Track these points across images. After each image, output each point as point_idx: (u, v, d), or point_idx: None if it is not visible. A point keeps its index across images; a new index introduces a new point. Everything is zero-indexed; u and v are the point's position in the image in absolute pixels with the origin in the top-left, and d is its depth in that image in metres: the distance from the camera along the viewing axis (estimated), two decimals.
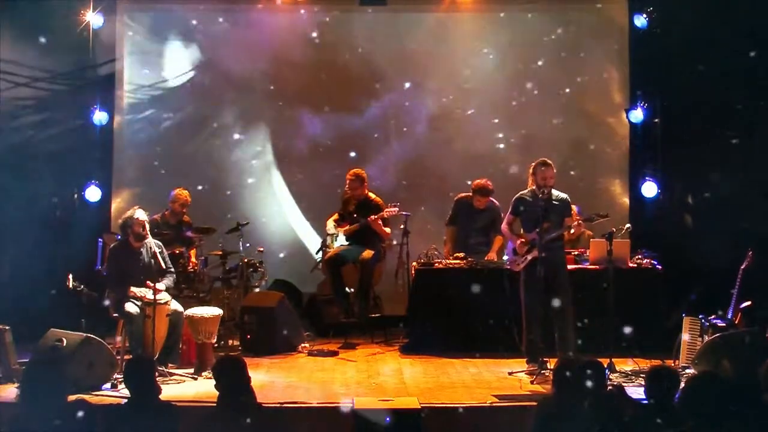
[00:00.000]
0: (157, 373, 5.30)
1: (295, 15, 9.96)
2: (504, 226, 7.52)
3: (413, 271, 8.39)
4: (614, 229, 7.38)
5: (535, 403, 4.94)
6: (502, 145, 9.98)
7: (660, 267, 8.11)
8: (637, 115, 9.62)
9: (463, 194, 8.66)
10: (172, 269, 7.41)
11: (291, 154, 10.04)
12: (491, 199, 8.48)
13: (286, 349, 8.12)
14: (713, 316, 7.10)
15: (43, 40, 9.17)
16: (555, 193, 7.25)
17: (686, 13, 8.98)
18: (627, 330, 7.37)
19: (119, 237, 7.45)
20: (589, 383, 4.41)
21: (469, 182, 8.63)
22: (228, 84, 9.96)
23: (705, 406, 3.99)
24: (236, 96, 10.01)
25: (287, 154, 10.05)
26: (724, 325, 6.97)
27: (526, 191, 7.34)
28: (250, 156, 10.05)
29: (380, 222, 8.52)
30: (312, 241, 9.84)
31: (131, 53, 9.94)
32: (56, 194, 9.42)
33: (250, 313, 8.18)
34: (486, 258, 8.28)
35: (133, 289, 6.99)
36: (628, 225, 8.19)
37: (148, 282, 6.89)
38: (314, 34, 9.96)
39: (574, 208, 7.62)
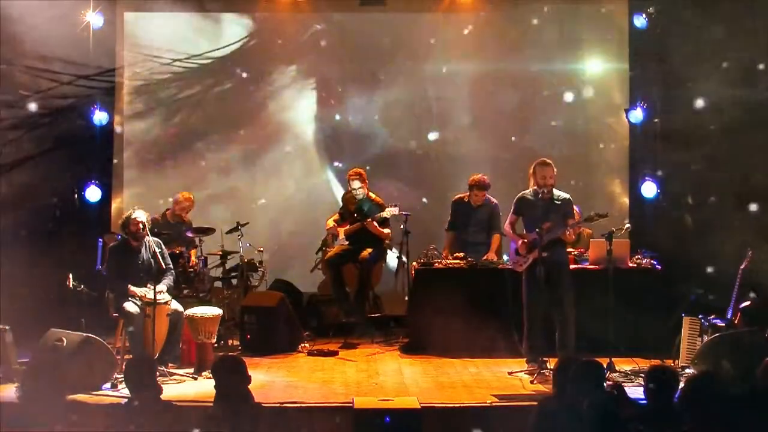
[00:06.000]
0: (157, 373, 5.30)
1: (296, 15, 9.96)
2: (506, 226, 7.50)
3: (413, 271, 8.39)
4: (614, 229, 7.37)
5: (535, 403, 4.94)
6: (501, 145, 9.98)
7: (660, 267, 8.11)
8: (637, 115, 9.60)
9: (458, 195, 8.66)
10: (172, 268, 7.41)
11: (292, 153, 10.04)
12: (488, 195, 8.48)
13: (286, 349, 8.11)
14: (713, 316, 7.10)
15: (42, 39, 9.16)
16: (557, 193, 7.24)
17: (686, 13, 8.97)
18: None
19: (119, 237, 7.45)
20: (588, 383, 4.41)
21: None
22: (228, 83, 9.96)
23: (705, 406, 3.99)
24: (236, 95, 10.00)
25: (288, 154, 10.04)
26: (723, 325, 6.97)
27: (527, 191, 7.33)
28: (250, 155, 10.04)
29: (376, 224, 8.47)
30: (312, 241, 9.85)
31: (131, 53, 9.93)
32: (56, 194, 9.41)
33: (250, 313, 8.18)
34: (485, 258, 8.27)
35: (132, 288, 7.00)
36: (627, 225, 8.17)
37: (149, 284, 6.89)
38: (315, 35, 9.96)
39: (575, 208, 7.59)
